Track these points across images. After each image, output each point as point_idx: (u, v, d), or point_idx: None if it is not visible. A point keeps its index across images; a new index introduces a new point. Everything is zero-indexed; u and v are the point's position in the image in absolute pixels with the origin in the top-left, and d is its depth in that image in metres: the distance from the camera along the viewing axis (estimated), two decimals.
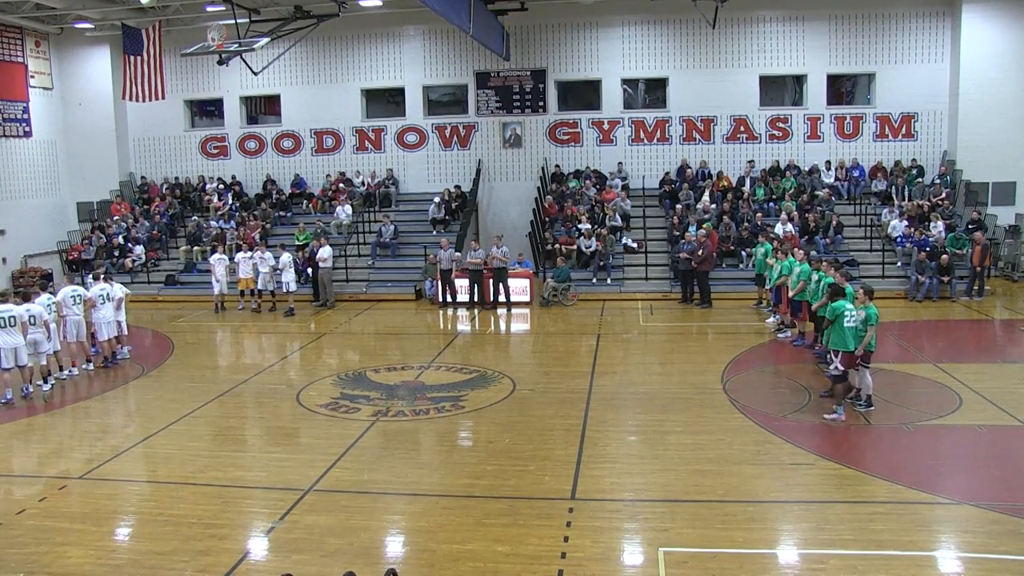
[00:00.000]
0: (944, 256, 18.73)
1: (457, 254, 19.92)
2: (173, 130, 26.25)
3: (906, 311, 17.53)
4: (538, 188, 23.74)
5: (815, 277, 13.24)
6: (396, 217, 23.53)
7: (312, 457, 9.41)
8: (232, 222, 23.73)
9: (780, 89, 24.49)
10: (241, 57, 18.78)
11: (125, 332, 14.74)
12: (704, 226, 19.74)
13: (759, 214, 21.17)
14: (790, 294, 14.37)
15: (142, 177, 26.60)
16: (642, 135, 24.26)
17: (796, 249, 15.57)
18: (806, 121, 23.61)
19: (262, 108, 26.88)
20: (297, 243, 21.84)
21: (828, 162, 23.25)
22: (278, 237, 23.60)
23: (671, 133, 24.12)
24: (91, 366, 13.86)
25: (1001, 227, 21.39)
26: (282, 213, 24.42)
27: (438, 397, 11.77)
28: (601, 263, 20.64)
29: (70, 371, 13.50)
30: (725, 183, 23.00)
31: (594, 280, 20.60)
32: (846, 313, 10.06)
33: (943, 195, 21.62)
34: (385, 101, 25.86)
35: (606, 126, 24.38)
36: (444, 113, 25.36)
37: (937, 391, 11.36)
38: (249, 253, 19.74)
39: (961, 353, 14.34)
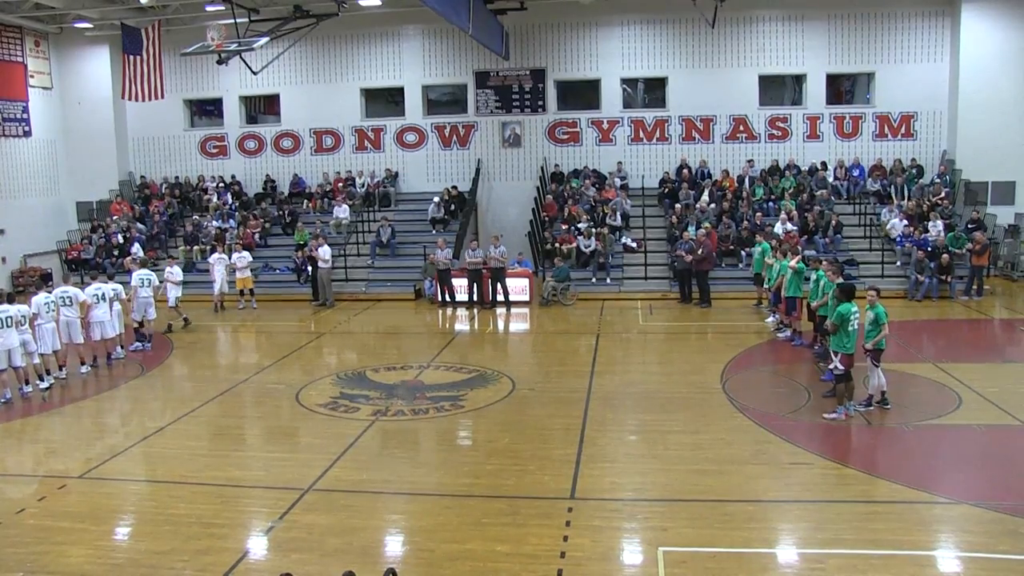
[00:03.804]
0: (944, 256, 18.73)
1: (448, 253, 19.78)
2: (172, 130, 26.24)
3: (905, 311, 17.52)
4: (537, 188, 23.74)
5: (812, 276, 13.23)
6: (395, 216, 23.53)
7: (311, 456, 9.41)
8: (232, 221, 23.73)
9: (779, 88, 24.49)
10: (240, 57, 18.79)
11: (119, 331, 14.69)
12: (704, 225, 19.75)
13: (759, 213, 21.18)
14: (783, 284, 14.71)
15: (141, 176, 26.59)
16: (641, 135, 24.26)
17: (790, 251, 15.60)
18: (805, 120, 23.61)
19: (261, 108, 26.88)
20: (297, 243, 21.92)
21: (824, 162, 23.22)
22: (278, 236, 23.69)
23: (670, 132, 24.12)
24: (86, 368, 13.82)
25: (1000, 227, 21.39)
26: (279, 212, 24.41)
27: (437, 397, 11.77)
28: (601, 262, 20.63)
29: (79, 369, 13.50)
30: (728, 184, 22.97)
31: (593, 280, 20.60)
32: (852, 317, 10.05)
33: (942, 194, 21.61)
34: (384, 101, 25.85)
35: (605, 126, 24.38)
36: (443, 113, 25.35)
37: (936, 391, 11.37)
38: (243, 253, 19.93)
39: (960, 353, 14.33)
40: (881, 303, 10.48)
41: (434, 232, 22.50)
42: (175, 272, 17.19)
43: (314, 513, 7.81)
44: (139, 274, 15.53)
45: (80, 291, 13.83)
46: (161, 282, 16.56)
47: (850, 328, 10.06)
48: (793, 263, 14.27)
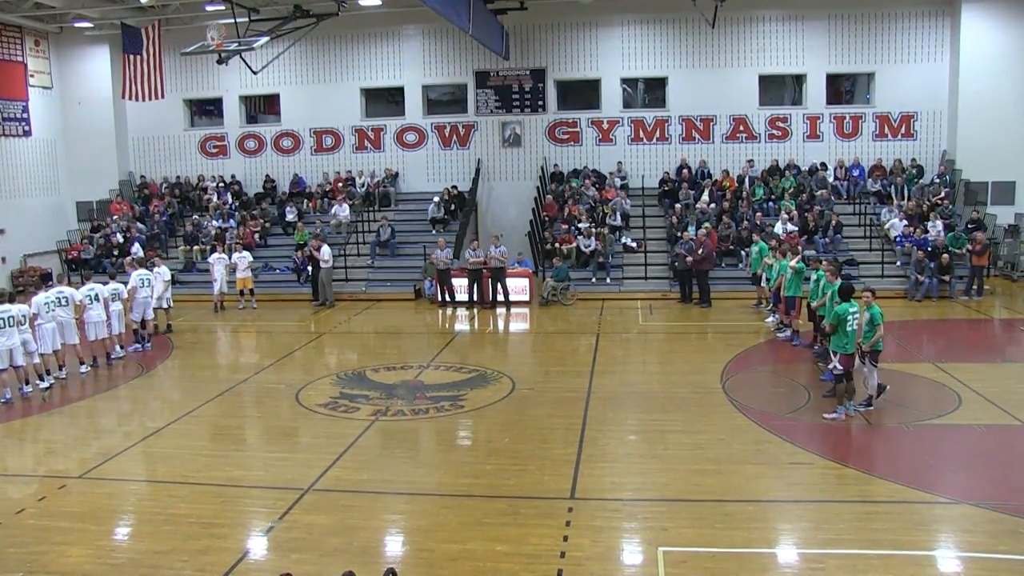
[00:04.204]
0: (944, 256, 18.73)
1: (449, 253, 19.78)
2: (172, 129, 26.25)
3: (905, 311, 17.53)
4: (537, 188, 23.74)
5: (813, 276, 13.24)
6: (395, 216, 23.53)
7: (311, 456, 9.40)
8: (232, 221, 23.73)
9: (779, 88, 24.49)
10: (240, 56, 18.79)
11: (120, 331, 14.70)
12: (705, 225, 19.75)
13: (759, 213, 21.18)
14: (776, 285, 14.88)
15: (141, 176, 26.59)
16: (641, 134, 24.26)
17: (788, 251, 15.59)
18: (805, 120, 23.61)
19: (261, 107, 26.89)
20: (296, 242, 21.94)
21: (823, 163, 23.21)
22: (278, 236, 23.70)
23: (670, 132, 24.12)
24: (85, 367, 13.82)
25: (1000, 227, 21.39)
26: (279, 212, 24.41)
27: (437, 396, 11.77)
28: (600, 262, 20.63)
29: (79, 369, 13.51)
30: (728, 184, 22.97)
31: (593, 279, 20.60)
32: (849, 318, 10.06)
33: (942, 195, 21.61)
34: (384, 100, 25.86)
35: (605, 125, 24.38)
36: (443, 112, 25.35)
37: (936, 390, 11.37)
38: (244, 252, 19.97)
39: (961, 353, 14.33)
40: (879, 303, 10.51)
41: (434, 232, 22.50)
42: (162, 272, 16.62)
43: (314, 513, 7.81)
44: (137, 274, 15.51)
45: (75, 291, 13.79)
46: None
47: (848, 328, 10.06)
48: (793, 263, 14.28)
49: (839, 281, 11.42)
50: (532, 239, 21.85)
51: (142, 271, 15.82)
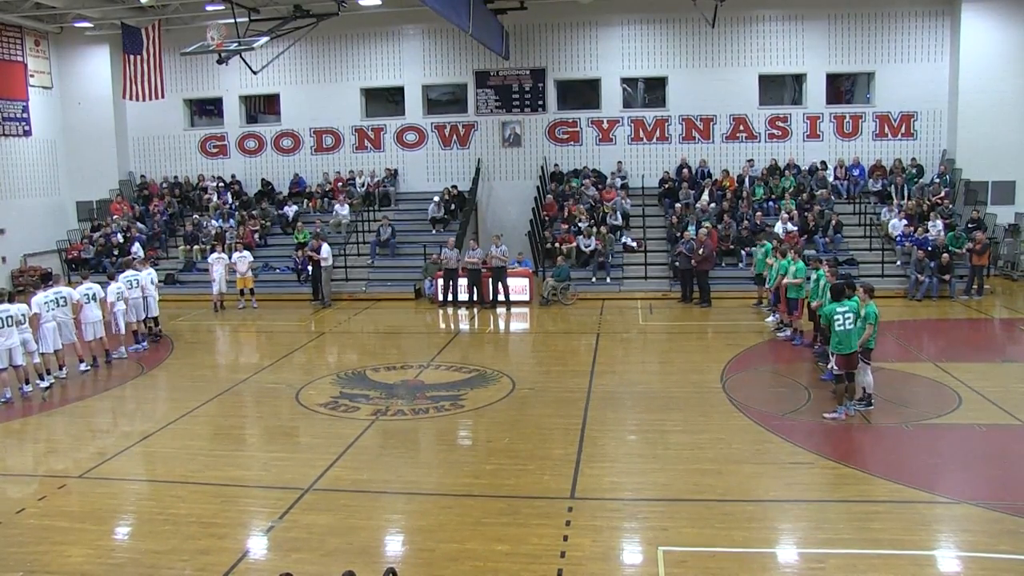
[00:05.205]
0: (944, 255, 18.73)
1: (456, 252, 19.78)
2: (172, 129, 26.25)
3: (905, 310, 17.53)
4: (537, 187, 23.74)
5: (812, 276, 13.25)
6: (395, 216, 23.53)
7: (311, 456, 9.41)
8: (232, 221, 23.73)
9: (779, 88, 24.49)
10: (240, 56, 18.79)
11: (121, 331, 14.73)
12: (705, 225, 19.75)
13: (759, 213, 21.18)
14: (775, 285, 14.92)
15: (141, 176, 26.60)
16: (641, 134, 24.26)
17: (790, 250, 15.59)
18: (805, 120, 23.61)
19: (261, 107, 26.89)
20: (296, 242, 21.95)
21: (823, 162, 23.22)
22: (278, 236, 23.69)
23: (670, 132, 24.12)
24: (85, 367, 13.82)
25: (1000, 226, 21.39)
26: (279, 213, 24.43)
27: (437, 396, 11.77)
28: (600, 262, 20.63)
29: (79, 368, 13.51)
30: (728, 183, 22.97)
31: (593, 279, 20.60)
32: (836, 316, 10.07)
33: (942, 194, 21.61)
34: (384, 100, 25.85)
35: (605, 125, 24.38)
36: (443, 112, 25.35)
37: (936, 390, 11.36)
38: (244, 252, 20.00)
39: (960, 352, 14.31)
40: (879, 303, 10.51)
41: (434, 232, 22.53)
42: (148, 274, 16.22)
43: (314, 513, 7.81)
44: (125, 276, 15.42)
45: (72, 291, 13.77)
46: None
47: (837, 327, 10.07)
48: (788, 279, 14.19)
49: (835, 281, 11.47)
50: (532, 239, 21.85)
51: (130, 272, 15.72)
